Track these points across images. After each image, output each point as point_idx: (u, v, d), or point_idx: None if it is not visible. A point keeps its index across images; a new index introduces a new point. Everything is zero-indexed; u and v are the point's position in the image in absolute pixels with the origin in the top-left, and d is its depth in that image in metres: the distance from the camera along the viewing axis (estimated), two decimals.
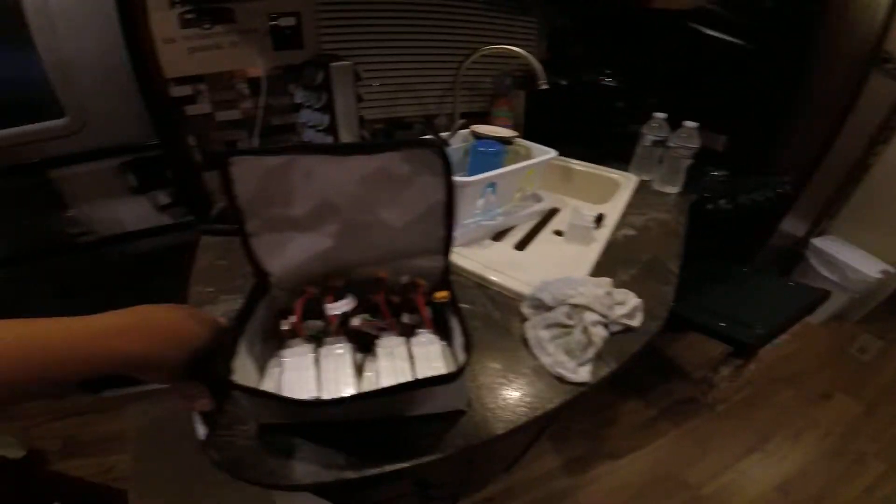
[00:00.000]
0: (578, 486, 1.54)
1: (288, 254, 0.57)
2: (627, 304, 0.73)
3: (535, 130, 1.43)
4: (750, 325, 1.43)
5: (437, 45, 1.40)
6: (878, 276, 2.17)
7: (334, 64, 1.05)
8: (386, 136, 1.44)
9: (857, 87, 1.62)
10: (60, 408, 1.69)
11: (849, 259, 2.22)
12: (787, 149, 1.76)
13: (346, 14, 1.25)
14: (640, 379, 1.94)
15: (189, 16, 1.07)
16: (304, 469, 0.50)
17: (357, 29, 1.27)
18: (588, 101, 1.45)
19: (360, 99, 1.12)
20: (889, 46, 1.58)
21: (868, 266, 2.20)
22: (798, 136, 1.74)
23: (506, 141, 0.97)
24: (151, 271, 1.39)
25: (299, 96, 1.15)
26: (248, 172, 0.51)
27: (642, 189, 1.25)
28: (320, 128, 1.11)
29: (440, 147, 0.51)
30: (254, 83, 1.20)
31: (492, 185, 0.87)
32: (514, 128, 1.41)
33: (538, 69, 1.06)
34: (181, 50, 1.10)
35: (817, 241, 2.33)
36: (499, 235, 0.94)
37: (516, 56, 1.10)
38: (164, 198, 1.32)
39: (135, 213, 1.31)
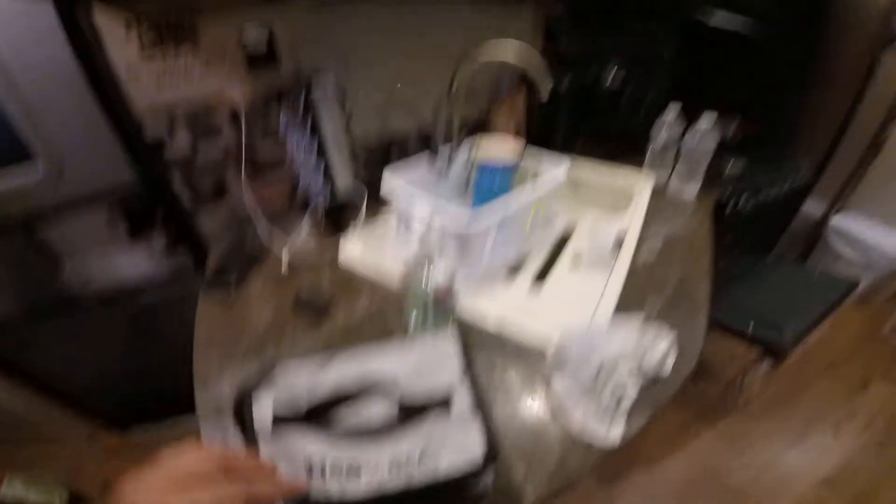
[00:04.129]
0: (616, 497, 1.51)
1: None
2: (660, 347, 0.68)
3: (539, 131, 1.37)
4: (779, 327, 1.38)
5: (428, 48, 1.32)
6: None
7: (315, 82, 0.99)
8: (384, 158, 1.38)
9: (869, 67, 1.59)
10: (101, 448, 1.67)
11: (871, 237, 2.15)
12: (803, 130, 1.70)
13: (323, 22, 1.16)
14: None
15: (149, 34, 0.98)
16: None
17: (338, 38, 1.19)
18: (594, 97, 1.36)
19: (349, 117, 1.05)
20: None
21: (893, 242, 2.12)
22: (813, 117, 1.68)
23: (509, 162, 0.89)
24: (158, 320, 1.37)
25: (283, 122, 1.08)
26: None
27: (660, 191, 1.18)
28: (307, 161, 1.04)
29: None
30: (234, 112, 1.12)
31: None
32: (517, 130, 1.33)
33: (539, 79, 0.99)
34: (147, 77, 1.02)
35: (836, 220, 2.26)
36: (514, 268, 0.88)
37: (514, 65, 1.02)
38: (159, 242, 1.28)
39: (132, 260, 1.27)
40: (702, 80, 1.51)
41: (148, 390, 1.59)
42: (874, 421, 1.71)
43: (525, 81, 1.41)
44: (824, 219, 2.28)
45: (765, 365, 1.55)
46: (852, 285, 1.56)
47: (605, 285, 0.81)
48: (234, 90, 1.09)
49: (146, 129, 1.07)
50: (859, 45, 1.56)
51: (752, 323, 1.40)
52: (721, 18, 1.39)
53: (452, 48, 1.32)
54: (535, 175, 0.98)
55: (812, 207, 2.15)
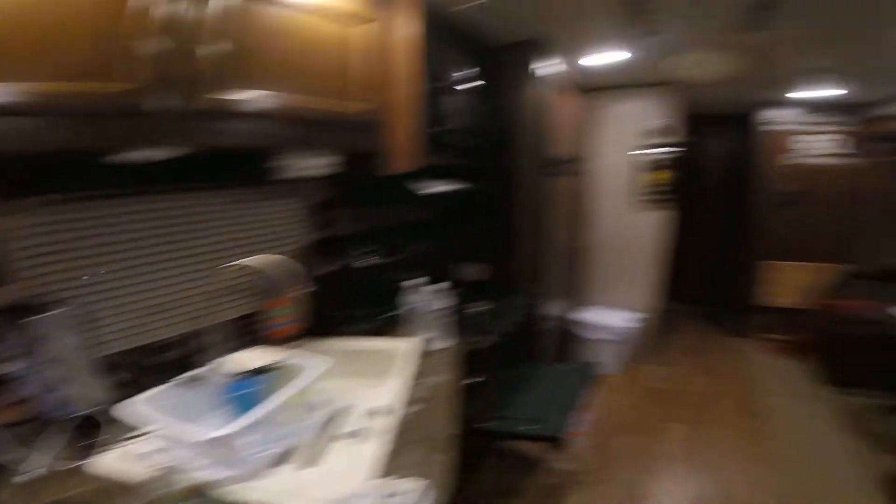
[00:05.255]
0: None
1: None
2: (410, 494, 0.81)
3: (317, 314, 1.51)
4: (551, 420, 1.65)
5: (187, 252, 1.33)
6: (634, 323, 2.78)
7: (45, 315, 0.96)
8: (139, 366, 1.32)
9: (544, 189, 2.16)
10: None
11: (606, 320, 2.85)
12: (520, 256, 2.22)
13: (61, 238, 1.08)
14: (497, 483, 2.05)
15: None
16: None
17: (80, 252, 1.12)
18: (359, 276, 1.60)
19: (92, 344, 1.04)
20: (553, 153, 2.17)
21: (622, 319, 2.82)
22: (525, 242, 2.22)
23: (265, 369, 1.01)
24: None
25: (17, 341, 1.00)
26: None
27: (419, 350, 1.40)
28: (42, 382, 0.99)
29: None
30: None
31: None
32: (292, 321, 1.44)
33: (283, 281, 1.13)
34: None
35: (577, 315, 2.92)
36: (284, 455, 0.94)
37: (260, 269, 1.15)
38: None
39: None
40: (442, 239, 1.92)
41: None
42: (696, 455, 2.24)
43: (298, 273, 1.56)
44: (567, 316, 2.89)
45: (557, 452, 1.83)
46: (591, 367, 2.01)
47: (366, 453, 0.92)
48: None
49: None
50: (534, 175, 2.12)
51: (523, 425, 1.66)
52: (442, 186, 1.80)
53: (217, 247, 1.38)
54: (300, 370, 1.07)
55: (557, 310, 2.72)
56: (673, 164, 2.93)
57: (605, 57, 2.26)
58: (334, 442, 1.00)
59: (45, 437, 0.98)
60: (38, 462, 0.91)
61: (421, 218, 1.93)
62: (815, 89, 2.86)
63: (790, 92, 2.99)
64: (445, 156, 1.71)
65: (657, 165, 2.93)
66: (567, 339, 2.91)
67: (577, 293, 3.07)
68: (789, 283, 3.44)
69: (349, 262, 1.55)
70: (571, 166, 2.55)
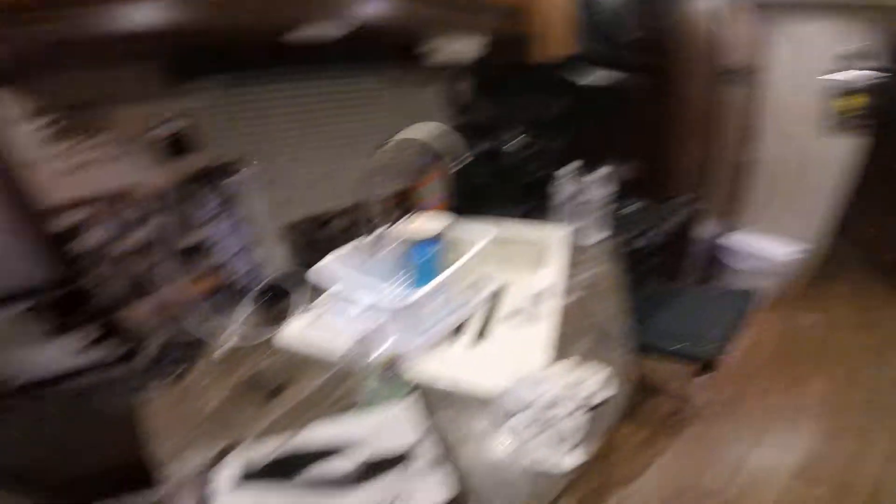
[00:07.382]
0: None
1: None
2: (595, 379, 0.77)
3: (463, 196, 1.49)
4: (703, 341, 1.53)
5: (346, 131, 1.41)
6: (794, 256, 2.43)
7: (235, 169, 1.03)
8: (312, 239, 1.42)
9: (714, 97, 1.91)
10: None
11: (763, 247, 2.49)
12: (677, 164, 1.97)
13: (241, 114, 1.19)
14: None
15: (60, 125, 0.94)
16: None
17: (255, 127, 1.23)
18: (503, 161, 1.52)
19: (271, 205, 1.09)
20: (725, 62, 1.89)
21: (781, 248, 2.47)
22: (683, 151, 1.96)
23: (438, 236, 1.00)
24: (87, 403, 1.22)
25: (205, 210, 1.09)
26: None
27: (571, 240, 1.33)
28: (233, 248, 1.07)
29: None
30: (153, 202, 1.08)
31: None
32: (442, 201, 1.43)
33: (444, 153, 1.08)
34: (60, 171, 0.97)
35: (729, 240, 2.60)
36: (455, 330, 0.97)
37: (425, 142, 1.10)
38: (83, 338, 1.22)
39: (56, 356, 1.15)
40: (592, 133, 1.76)
41: (90, 471, 1.44)
42: (823, 412, 1.86)
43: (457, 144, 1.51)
44: (717, 240, 2.60)
45: (703, 376, 1.71)
46: (750, 294, 1.79)
47: (538, 335, 0.92)
48: (152, 180, 1.08)
49: (62, 224, 1.00)
50: (702, 84, 1.86)
51: (676, 343, 1.55)
52: (596, 77, 1.63)
53: (371, 128, 1.44)
54: (463, 243, 1.06)
55: (705, 232, 2.45)
56: (871, 89, 2.42)
57: None
58: (500, 322, 0.99)
59: (236, 307, 1.07)
60: (232, 333, 0.99)
61: (571, 108, 1.78)
62: None
63: None
64: (600, 46, 1.51)
65: (851, 90, 2.45)
66: (714, 262, 2.67)
67: (736, 214, 2.74)
68: None
69: (495, 147, 1.47)
70: (745, 78, 2.25)
